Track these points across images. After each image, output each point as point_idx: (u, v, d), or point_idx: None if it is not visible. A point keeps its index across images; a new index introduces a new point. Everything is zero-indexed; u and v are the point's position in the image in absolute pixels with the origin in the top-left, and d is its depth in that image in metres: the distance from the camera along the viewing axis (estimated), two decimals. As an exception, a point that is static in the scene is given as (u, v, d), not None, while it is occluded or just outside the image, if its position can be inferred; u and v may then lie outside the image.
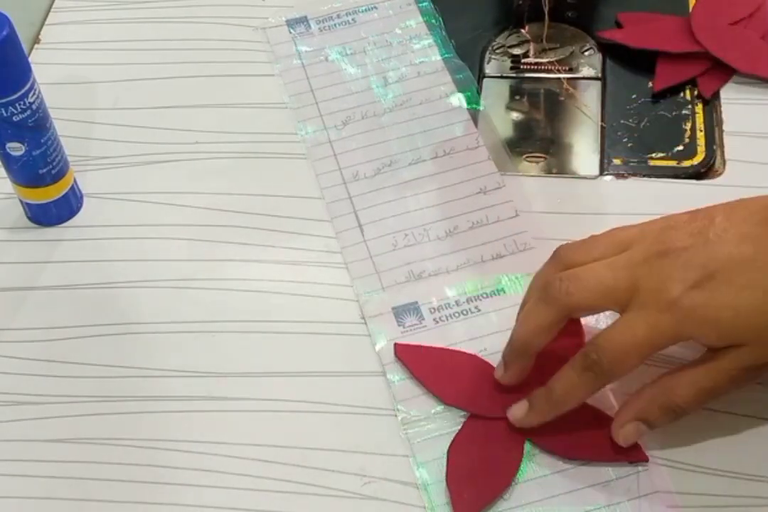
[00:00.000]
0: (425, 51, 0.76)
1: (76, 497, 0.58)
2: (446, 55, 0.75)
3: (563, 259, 0.56)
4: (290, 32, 0.78)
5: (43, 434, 0.60)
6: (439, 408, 0.59)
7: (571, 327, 0.57)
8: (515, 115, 0.73)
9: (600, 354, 0.53)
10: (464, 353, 0.61)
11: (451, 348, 0.61)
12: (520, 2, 0.76)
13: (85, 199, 0.70)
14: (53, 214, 0.69)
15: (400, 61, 0.75)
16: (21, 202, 0.69)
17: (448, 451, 0.57)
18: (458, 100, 0.73)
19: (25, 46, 0.62)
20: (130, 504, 0.57)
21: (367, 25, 0.78)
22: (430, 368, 0.60)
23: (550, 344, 0.57)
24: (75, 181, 0.69)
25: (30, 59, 0.62)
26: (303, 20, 0.78)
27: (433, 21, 0.77)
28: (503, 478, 0.56)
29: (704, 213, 0.55)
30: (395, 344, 0.61)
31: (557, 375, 0.56)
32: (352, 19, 0.78)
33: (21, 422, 0.61)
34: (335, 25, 0.78)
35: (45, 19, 0.81)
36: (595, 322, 0.60)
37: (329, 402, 0.60)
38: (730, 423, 0.58)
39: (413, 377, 0.60)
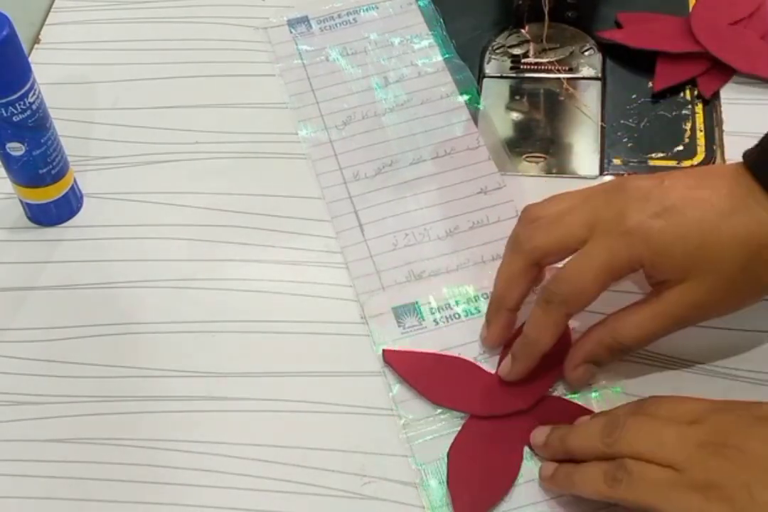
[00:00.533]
0: (426, 51, 0.76)
1: (76, 497, 0.58)
2: (447, 56, 0.75)
3: (530, 215, 0.58)
4: (291, 32, 0.78)
5: (43, 434, 0.60)
6: (439, 410, 0.59)
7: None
8: (515, 115, 0.73)
9: (559, 284, 0.55)
10: (452, 356, 0.61)
11: (438, 352, 0.61)
12: (520, 2, 0.76)
13: (85, 199, 0.70)
14: (53, 214, 0.69)
15: (401, 61, 0.75)
16: (21, 202, 0.69)
17: (449, 454, 0.57)
18: (459, 100, 0.73)
19: (25, 46, 0.62)
20: (130, 504, 0.57)
21: (367, 24, 0.78)
22: (420, 372, 0.60)
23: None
24: (75, 181, 0.69)
25: (30, 59, 0.62)
26: (304, 20, 0.78)
27: (434, 21, 0.77)
28: (504, 480, 0.56)
29: (652, 174, 0.57)
30: (383, 350, 0.61)
31: (527, 319, 0.57)
32: (353, 19, 0.78)
33: (21, 422, 0.61)
34: (336, 24, 0.78)
35: (45, 19, 0.81)
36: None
37: (329, 402, 0.60)
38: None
39: (404, 382, 0.60)
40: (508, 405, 0.59)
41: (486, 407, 0.59)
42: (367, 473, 0.57)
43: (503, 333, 0.60)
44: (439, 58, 0.75)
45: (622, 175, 0.69)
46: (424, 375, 0.60)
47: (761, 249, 0.54)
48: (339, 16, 0.78)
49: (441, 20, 0.77)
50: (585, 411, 0.58)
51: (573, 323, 0.60)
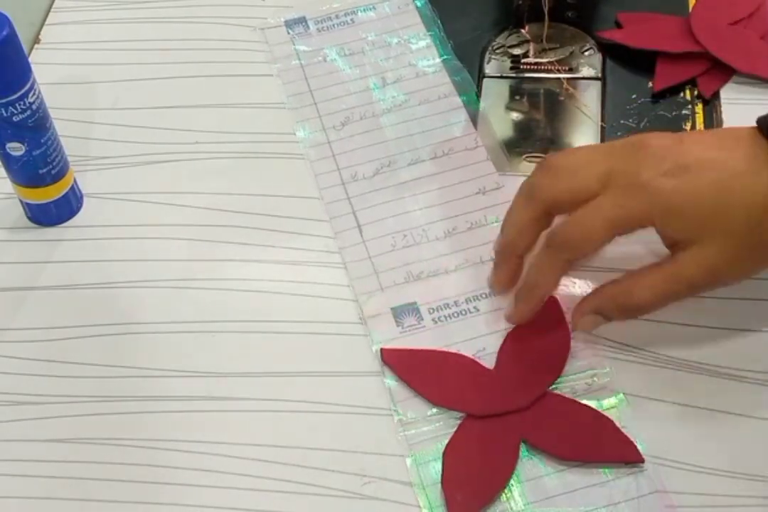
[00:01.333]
0: (423, 52, 0.76)
1: (76, 497, 0.58)
2: (445, 56, 0.75)
3: (548, 164, 0.58)
4: (289, 33, 0.78)
5: (43, 434, 0.60)
6: (435, 409, 0.59)
7: (552, 310, 0.59)
8: (515, 115, 0.73)
9: (566, 230, 0.56)
10: (451, 353, 0.61)
11: (438, 349, 0.61)
12: (520, 2, 0.76)
13: (85, 199, 0.70)
14: (53, 214, 0.69)
15: (399, 61, 0.75)
16: (21, 202, 0.69)
17: (444, 453, 0.57)
18: (457, 100, 0.73)
19: (25, 46, 0.61)
20: (130, 504, 0.57)
21: (365, 25, 0.78)
22: (417, 371, 0.60)
23: (532, 330, 0.58)
24: (75, 181, 0.69)
25: (30, 59, 0.62)
26: (301, 20, 0.78)
27: (432, 22, 0.77)
28: (498, 480, 0.56)
29: (671, 133, 0.58)
30: (381, 349, 0.61)
31: (531, 262, 0.58)
32: (351, 20, 0.78)
33: (21, 422, 0.61)
34: (334, 25, 0.78)
35: (45, 19, 0.81)
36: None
37: (329, 402, 0.60)
38: (730, 423, 0.58)
39: (402, 381, 0.60)
40: (507, 403, 0.59)
41: (484, 406, 0.59)
42: (367, 473, 0.57)
43: (512, 277, 0.61)
44: (437, 58, 0.75)
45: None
46: (422, 374, 0.60)
47: None
48: (336, 16, 0.78)
49: (439, 21, 0.77)
50: (584, 409, 0.58)
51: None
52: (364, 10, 0.78)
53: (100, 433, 0.60)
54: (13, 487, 0.58)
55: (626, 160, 0.56)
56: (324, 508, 0.57)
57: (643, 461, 0.56)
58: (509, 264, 0.60)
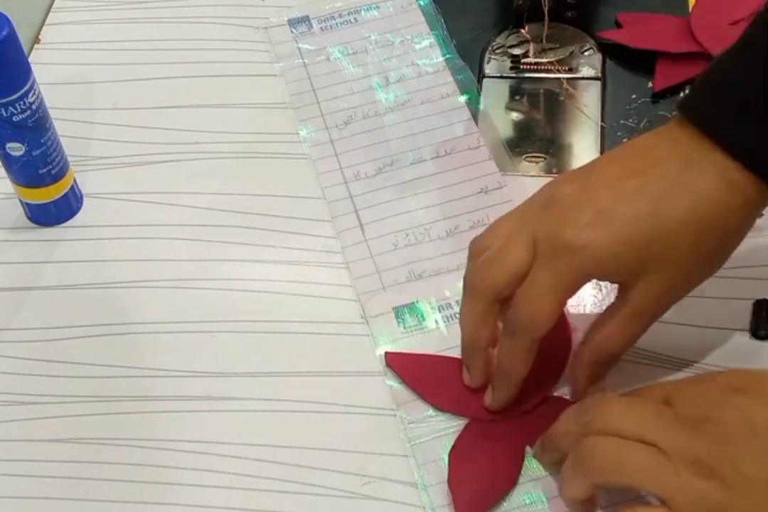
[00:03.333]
0: (426, 51, 0.76)
1: (76, 497, 0.58)
2: (447, 55, 0.75)
3: (475, 250, 0.56)
4: (292, 32, 0.78)
5: (43, 434, 0.60)
6: (439, 412, 0.59)
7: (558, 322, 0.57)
8: (515, 115, 0.73)
9: (517, 314, 0.54)
10: (455, 359, 0.60)
11: (442, 354, 0.61)
12: (520, 2, 0.76)
13: (85, 199, 0.70)
14: (53, 214, 0.69)
15: (402, 60, 0.75)
16: (21, 202, 0.69)
17: (449, 455, 0.57)
18: (459, 100, 0.73)
19: (25, 46, 0.62)
20: (130, 504, 0.57)
21: (368, 24, 0.78)
22: (421, 375, 0.60)
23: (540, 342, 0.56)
24: (75, 181, 0.69)
25: (30, 59, 0.63)
26: (305, 20, 0.78)
27: (435, 21, 0.77)
28: (505, 481, 0.56)
29: (580, 169, 0.56)
30: (385, 352, 0.61)
31: (498, 350, 0.57)
32: (354, 19, 0.78)
33: (21, 422, 0.61)
34: (337, 24, 0.78)
35: (45, 19, 0.81)
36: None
37: (329, 402, 0.60)
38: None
39: (406, 385, 0.60)
40: (511, 408, 0.58)
41: (488, 411, 0.58)
42: (367, 473, 0.57)
43: (485, 372, 0.58)
44: (440, 58, 0.75)
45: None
46: (426, 378, 0.60)
47: (713, 217, 0.52)
48: (340, 15, 0.78)
49: (442, 20, 0.77)
50: None
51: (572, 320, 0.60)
52: (367, 9, 0.78)
53: (100, 433, 0.60)
54: (13, 487, 0.58)
55: (544, 221, 0.53)
56: (324, 508, 0.57)
57: None
58: (479, 361, 0.58)
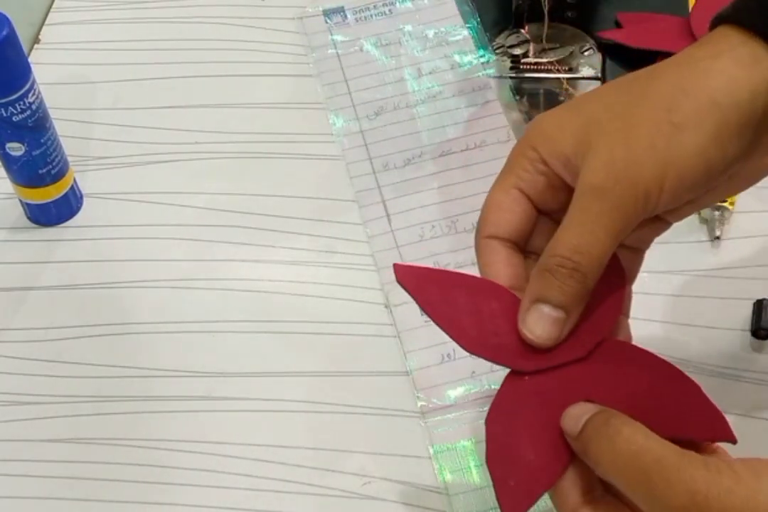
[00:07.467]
0: (460, 44, 0.76)
1: (76, 497, 0.58)
2: (481, 49, 0.75)
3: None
4: (326, 22, 0.78)
5: (43, 434, 0.60)
6: (461, 393, 0.57)
7: (612, 265, 0.46)
8: (515, 115, 0.73)
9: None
10: (487, 281, 0.47)
11: (471, 274, 0.48)
12: (520, 2, 0.76)
13: (85, 199, 0.70)
14: (53, 214, 0.69)
15: (435, 53, 0.76)
16: (21, 202, 0.69)
17: (486, 423, 0.45)
18: (491, 93, 0.73)
19: (25, 46, 0.62)
20: (131, 504, 0.57)
21: (403, 16, 0.78)
22: (444, 301, 0.47)
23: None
24: (75, 181, 0.69)
25: (30, 59, 0.63)
26: (340, 10, 0.79)
27: (469, 14, 0.77)
28: (560, 457, 0.44)
29: None
30: (395, 265, 0.47)
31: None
32: (389, 10, 0.79)
33: (21, 422, 0.61)
34: (371, 15, 0.78)
35: (45, 19, 0.81)
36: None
37: (329, 402, 0.60)
38: (730, 423, 0.58)
39: (422, 311, 0.47)
40: (561, 353, 0.45)
41: (532, 358, 0.45)
42: (367, 473, 0.57)
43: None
44: (473, 51, 0.76)
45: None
46: (450, 306, 0.46)
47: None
48: (375, 7, 0.79)
49: (476, 14, 0.77)
50: (655, 360, 0.46)
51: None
52: (402, 1, 0.79)
53: (100, 433, 0.60)
54: (13, 487, 0.58)
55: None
56: (324, 508, 0.57)
57: (735, 441, 0.45)
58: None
